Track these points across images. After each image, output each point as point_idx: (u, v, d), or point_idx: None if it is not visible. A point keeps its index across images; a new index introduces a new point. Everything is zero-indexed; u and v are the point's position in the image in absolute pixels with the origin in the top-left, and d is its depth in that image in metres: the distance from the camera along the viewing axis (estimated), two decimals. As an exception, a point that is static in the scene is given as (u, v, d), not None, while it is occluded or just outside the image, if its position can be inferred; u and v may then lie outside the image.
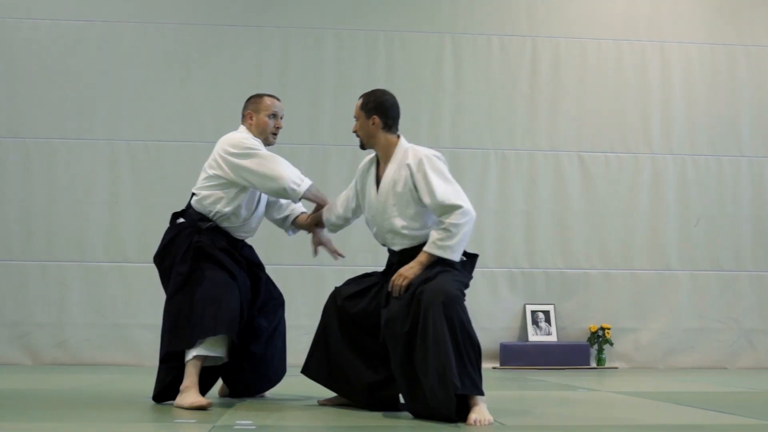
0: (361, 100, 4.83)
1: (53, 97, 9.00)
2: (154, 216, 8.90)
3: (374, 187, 4.81)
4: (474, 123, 9.42)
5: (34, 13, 9.09)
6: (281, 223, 5.50)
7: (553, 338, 9.13)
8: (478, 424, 4.18)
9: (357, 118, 4.84)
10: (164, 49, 9.17)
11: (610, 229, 9.45)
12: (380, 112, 4.76)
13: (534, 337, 9.13)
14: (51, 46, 9.07)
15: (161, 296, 8.89)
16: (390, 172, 4.72)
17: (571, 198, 9.44)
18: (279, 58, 9.16)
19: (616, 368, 9.16)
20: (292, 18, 9.30)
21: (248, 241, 5.41)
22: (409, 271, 4.53)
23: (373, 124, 4.76)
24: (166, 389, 5.03)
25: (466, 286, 4.62)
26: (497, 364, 9.00)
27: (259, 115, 5.25)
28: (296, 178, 5.03)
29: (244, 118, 5.29)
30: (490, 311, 9.19)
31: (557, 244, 9.39)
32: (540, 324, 9.16)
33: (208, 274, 4.99)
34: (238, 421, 4.23)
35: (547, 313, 9.22)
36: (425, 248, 4.55)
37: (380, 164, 4.84)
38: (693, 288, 9.44)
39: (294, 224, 5.47)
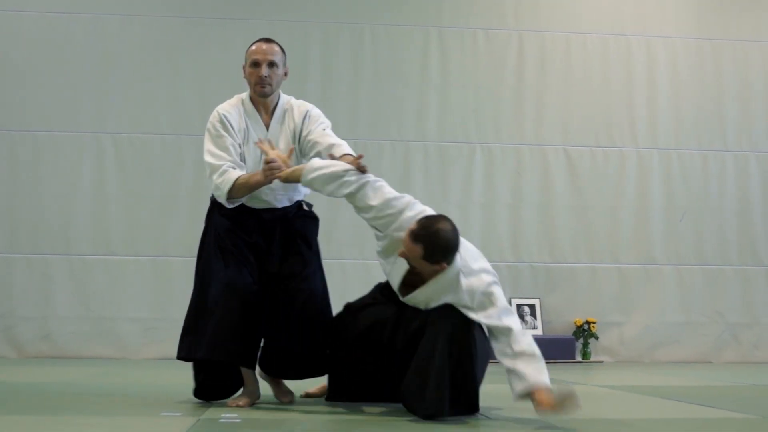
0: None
1: (39, 89, 8.94)
2: (139, 209, 8.89)
3: None
4: (460, 117, 9.41)
5: (21, 5, 9.03)
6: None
7: (538, 332, 9.14)
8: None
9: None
10: (151, 42, 9.13)
11: (595, 223, 9.46)
12: None
13: (520, 330, 9.12)
14: (37, 38, 9.01)
15: (146, 289, 8.86)
16: None
17: (556, 192, 9.44)
18: (265, 51, 9.11)
19: (602, 362, 9.19)
20: (278, 11, 9.26)
21: None
22: None
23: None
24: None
25: None
26: (483, 358, 9.01)
27: (246, 66, 4.72)
28: (217, 179, 4.50)
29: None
30: (476, 305, 9.19)
31: (543, 238, 9.40)
32: (525, 318, 9.18)
33: (216, 275, 4.54)
34: (223, 415, 4.22)
35: (532, 307, 9.23)
36: None
37: None
38: (678, 282, 9.46)
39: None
